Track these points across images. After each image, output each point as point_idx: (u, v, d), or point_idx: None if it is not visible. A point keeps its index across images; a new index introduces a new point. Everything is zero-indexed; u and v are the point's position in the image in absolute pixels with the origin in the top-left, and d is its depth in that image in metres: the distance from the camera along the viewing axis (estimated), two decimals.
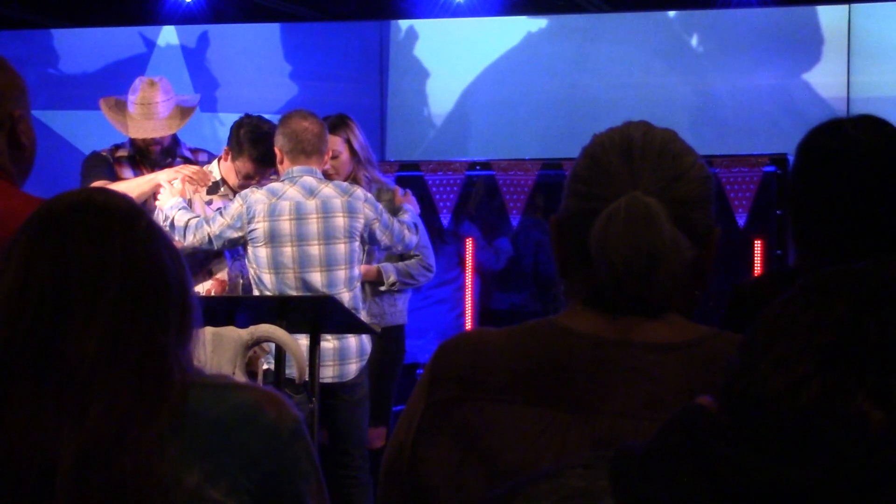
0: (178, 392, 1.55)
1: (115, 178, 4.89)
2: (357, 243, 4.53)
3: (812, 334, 0.80)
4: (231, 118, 4.99)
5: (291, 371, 4.07)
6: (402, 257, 4.94)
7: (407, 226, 4.71)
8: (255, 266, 4.52)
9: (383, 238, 4.60)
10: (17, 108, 2.23)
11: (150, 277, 1.57)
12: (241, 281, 4.81)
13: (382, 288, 4.88)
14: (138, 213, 1.63)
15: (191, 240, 4.53)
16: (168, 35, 7.99)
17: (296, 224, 4.45)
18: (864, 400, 0.76)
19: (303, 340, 4.16)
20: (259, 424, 1.58)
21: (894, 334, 0.78)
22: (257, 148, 4.70)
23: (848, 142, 2.09)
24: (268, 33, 7.94)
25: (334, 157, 4.77)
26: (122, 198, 1.67)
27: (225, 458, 1.55)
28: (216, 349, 3.45)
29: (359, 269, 4.60)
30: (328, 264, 4.47)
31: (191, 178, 4.73)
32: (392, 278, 4.87)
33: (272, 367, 4.23)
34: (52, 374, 1.53)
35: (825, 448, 0.76)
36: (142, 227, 1.60)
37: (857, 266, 0.84)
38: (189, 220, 4.55)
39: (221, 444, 1.56)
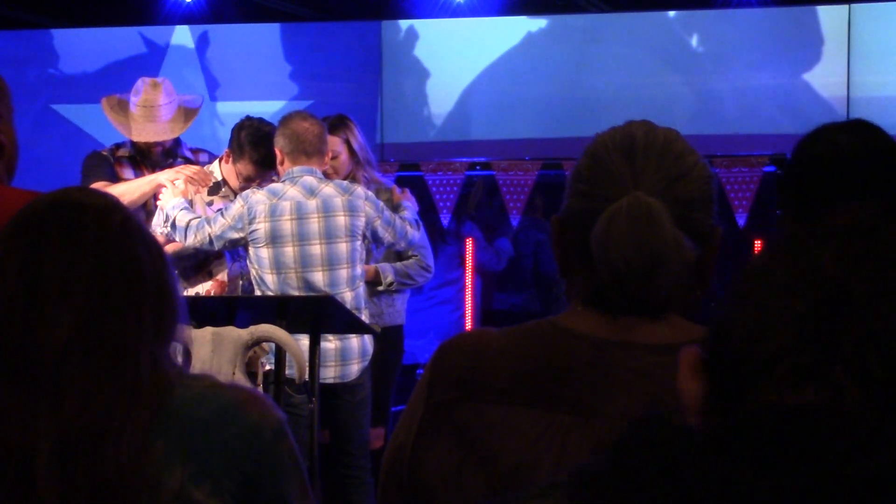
0: (152, 386, 1.56)
1: (116, 177, 4.88)
2: (359, 242, 4.53)
3: (795, 298, 0.76)
4: (230, 118, 4.99)
5: (292, 371, 4.07)
6: (400, 257, 4.94)
7: (409, 222, 4.70)
8: (256, 267, 4.51)
9: (386, 235, 4.59)
10: None
11: (122, 272, 1.58)
12: (242, 281, 4.81)
13: (380, 288, 4.87)
14: (114, 209, 1.63)
15: (191, 240, 4.52)
16: (171, 35, 7.98)
17: (297, 224, 4.44)
18: (841, 373, 0.73)
19: (303, 340, 4.16)
20: (241, 425, 1.59)
21: (878, 300, 0.74)
22: (258, 150, 4.69)
23: (835, 148, 2.12)
24: (268, 33, 7.93)
25: (333, 158, 4.77)
26: (100, 195, 1.68)
27: (208, 458, 1.56)
28: (216, 349, 3.45)
29: (361, 268, 4.59)
30: (330, 263, 4.46)
31: (192, 178, 4.72)
32: (390, 278, 4.86)
33: (272, 366, 4.22)
34: (26, 366, 1.55)
35: (802, 445, 0.72)
36: (116, 222, 1.61)
37: (847, 217, 0.79)
38: (190, 220, 4.54)
39: (204, 445, 1.56)
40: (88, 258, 1.57)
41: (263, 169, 4.72)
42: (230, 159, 4.80)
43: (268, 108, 6.66)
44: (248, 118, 4.81)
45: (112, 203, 1.65)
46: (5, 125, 2.27)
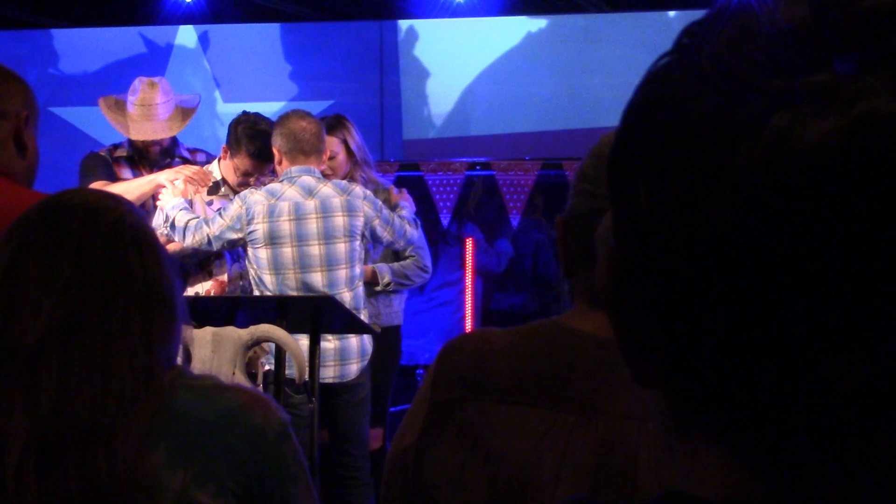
0: (146, 388, 1.56)
1: (114, 178, 4.87)
2: (358, 242, 4.52)
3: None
4: (230, 118, 4.99)
5: (291, 371, 4.06)
6: (397, 258, 4.93)
7: (407, 220, 4.70)
8: (255, 267, 4.51)
9: (385, 234, 4.58)
10: (26, 109, 2.34)
11: (106, 273, 1.59)
12: (242, 281, 4.80)
13: (378, 289, 4.87)
14: (106, 210, 1.64)
15: (190, 241, 4.52)
16: (171, 35, 7.98)
17: (295, 224, 4.43)
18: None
19: (303, 340, 4.15)
20: (245, 427, 1.58)
21: None
22: (255, 144, 4.69)
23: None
24: (268, 33, 7.93)
25: (331, 158, 4.76)
26: (99, 196, 1.69)
27: (211, 460, 1.56)
28: (216, 349, 3.44)
29: (360, 268, 4.58)
30: (329, 264, 4.45)
31: (191, 178, 4.71)
32: (387, 279, 4.85)
33: (272, 366, 4.22)
34: (3, 364, 1.56)
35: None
36: (104, 223, 1.61)
37: None
38: (189, 220, 4.54)
39: (208, 447, 1.56)
40: (68, 259, 1.58)
41: (260, 162, 4.72)
42: (228, 155, 4.80)
43: (268, 109, 6.66)
44: (245, 113, 4.82)
45: (107, 205, 1.64)
46: (30, 131, 2.36)
